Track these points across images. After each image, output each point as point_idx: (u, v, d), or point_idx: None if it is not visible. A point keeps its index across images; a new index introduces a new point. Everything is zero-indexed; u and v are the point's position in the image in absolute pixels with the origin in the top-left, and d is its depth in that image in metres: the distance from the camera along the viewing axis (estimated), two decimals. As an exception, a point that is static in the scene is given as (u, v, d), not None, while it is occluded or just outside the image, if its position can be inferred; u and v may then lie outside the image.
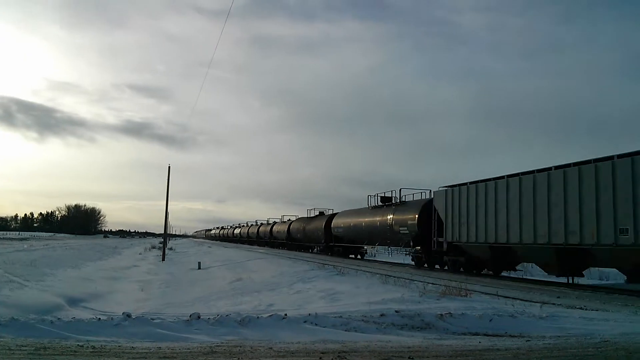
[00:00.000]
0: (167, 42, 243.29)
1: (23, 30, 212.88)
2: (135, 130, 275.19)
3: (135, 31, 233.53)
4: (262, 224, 73.95)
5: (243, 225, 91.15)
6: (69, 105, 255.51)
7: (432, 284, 16.07)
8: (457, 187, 22.88)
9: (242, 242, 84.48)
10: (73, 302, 17.93)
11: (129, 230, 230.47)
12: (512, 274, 22.08)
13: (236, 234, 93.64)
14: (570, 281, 18.17)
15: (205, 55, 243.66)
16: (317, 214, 47.73)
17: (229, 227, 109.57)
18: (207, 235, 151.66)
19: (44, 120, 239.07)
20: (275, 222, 64.96)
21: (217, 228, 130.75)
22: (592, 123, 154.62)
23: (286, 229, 53.70)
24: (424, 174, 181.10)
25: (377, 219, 30.63)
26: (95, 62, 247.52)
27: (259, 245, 69.46)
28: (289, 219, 56.92)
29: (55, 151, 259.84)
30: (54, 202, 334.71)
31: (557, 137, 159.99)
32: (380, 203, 31.74)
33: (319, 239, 43.03)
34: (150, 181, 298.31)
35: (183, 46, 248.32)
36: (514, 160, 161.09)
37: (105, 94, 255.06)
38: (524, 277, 22.11)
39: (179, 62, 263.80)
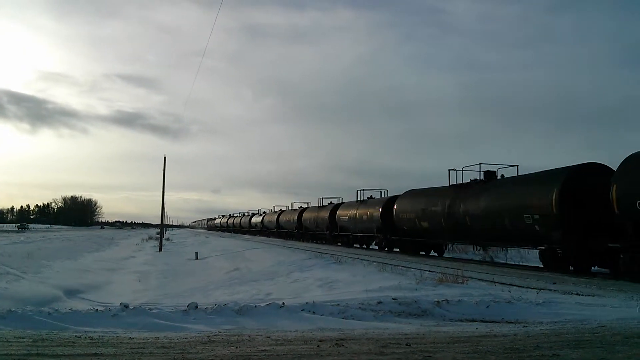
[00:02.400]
0: (157, 32, 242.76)
1: (11, 21, 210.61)
2: (127, 120, 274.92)
3: (124, 21, 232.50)
4: (304, 208, 50.00)
5: (264, 213, 67.88)
6: (60, 96, 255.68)
7: (429, 271, 16.12)
8: None
9: (265, 234, 63.75)
10: (70, 293, 17.96)
11: (126, 221, 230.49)
12: (509, 261, 22.16)
13: (255, 223, 68.85)
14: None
15: (195, 45, 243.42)
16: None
17: (239, 215, 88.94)
18: (209, 225, 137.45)
19: (35, 112, 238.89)
20: (338, 203, 40.53)
21: (223, 216, 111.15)
22: (587, 113, 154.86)
23: (378, 214, 30.30)
24: (419, 164, 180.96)
25: None
26: (84, 53, 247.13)
27: (301, 240, 46.92)
28: (372, 196, 35.36)
29: (48, 143, 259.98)
30: (49, 194, 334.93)
31: (551, 127, 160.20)
32: None
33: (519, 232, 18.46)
34: (145, 172, 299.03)
35: (173, 36, 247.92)
36: (508, 150, 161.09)
37: (96, 85, 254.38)
38: (520, 263, 22.18)
39: (169, 52, 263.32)
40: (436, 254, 26.58)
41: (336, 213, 37.83)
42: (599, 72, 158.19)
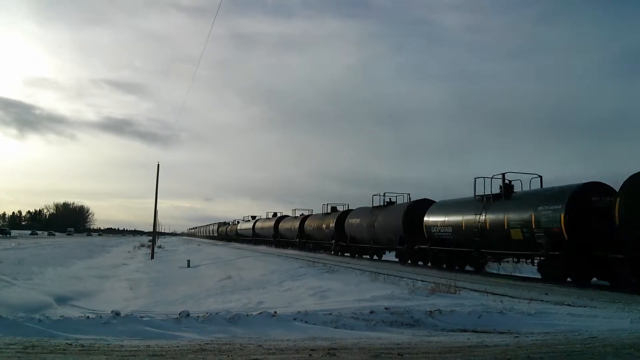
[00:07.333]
0: (145, 39, 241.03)
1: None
2: (116, 127, 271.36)
3: (111, 27, 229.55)
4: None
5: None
6: (48, 101, 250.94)
7: (422, 281, 16.13)
8: None
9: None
10: (62, 300, 17.85)
11: (118, 229, 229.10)
12: (502, 271, 22.24)
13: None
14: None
15: (183, 52, 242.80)
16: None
17: (274, 217, 57.72)
18: (221, 233, 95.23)
19: (23, 117, 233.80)
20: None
21: (252, 219, 68.11)
22: (578, 123, 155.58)
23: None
24: (411, 173, 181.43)
25: None
26: (71, 58, 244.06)
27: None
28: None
29: (36, 148, 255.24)
30: (40, 200, 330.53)
31: (541, 138, 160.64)
32: None
33: None
34: (136, 179, 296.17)
35: (161, 43, 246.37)
36: (498, 159, 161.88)
37: (83, 90, 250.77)
38: (513, 274, 22.23)
39: (156, 59, 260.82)
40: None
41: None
42: (591, 82, 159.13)
